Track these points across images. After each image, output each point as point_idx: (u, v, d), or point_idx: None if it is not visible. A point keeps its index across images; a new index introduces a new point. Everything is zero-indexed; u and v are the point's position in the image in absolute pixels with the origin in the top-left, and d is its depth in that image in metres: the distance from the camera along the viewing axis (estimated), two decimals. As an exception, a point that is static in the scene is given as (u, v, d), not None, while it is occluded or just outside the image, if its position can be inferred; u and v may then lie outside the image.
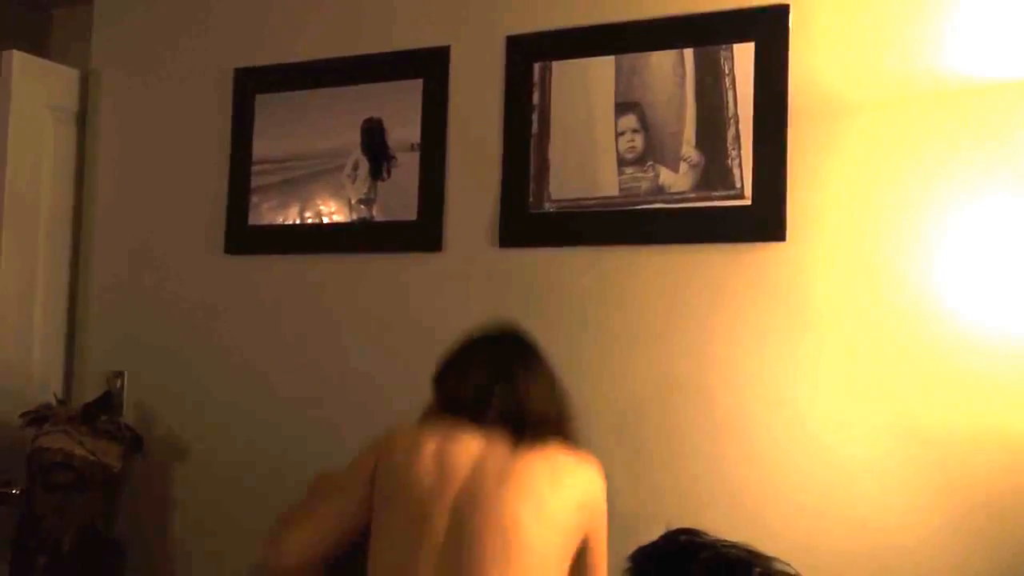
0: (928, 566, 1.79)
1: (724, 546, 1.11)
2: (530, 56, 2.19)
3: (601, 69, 2.12)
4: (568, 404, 1.71)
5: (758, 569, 1.07)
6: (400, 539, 1.56)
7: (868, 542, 1.83)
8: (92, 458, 2.39)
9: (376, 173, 2.36)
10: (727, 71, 2.01)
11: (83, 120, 2.76)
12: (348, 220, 2.39)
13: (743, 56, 1.99)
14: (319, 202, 2.43)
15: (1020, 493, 1.74)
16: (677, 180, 2.04)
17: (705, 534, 1.13)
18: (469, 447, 1.58)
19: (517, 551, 1.48)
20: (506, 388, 1.63)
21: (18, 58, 2.61)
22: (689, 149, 2.04)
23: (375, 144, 2.37)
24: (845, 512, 1.85)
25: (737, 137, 1.99)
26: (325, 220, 2.42)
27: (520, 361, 1.69)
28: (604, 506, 1.62)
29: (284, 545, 1.62)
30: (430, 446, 1.60)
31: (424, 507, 1.54)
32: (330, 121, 2.42)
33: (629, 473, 2.00)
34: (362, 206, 2.38)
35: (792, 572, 1.10)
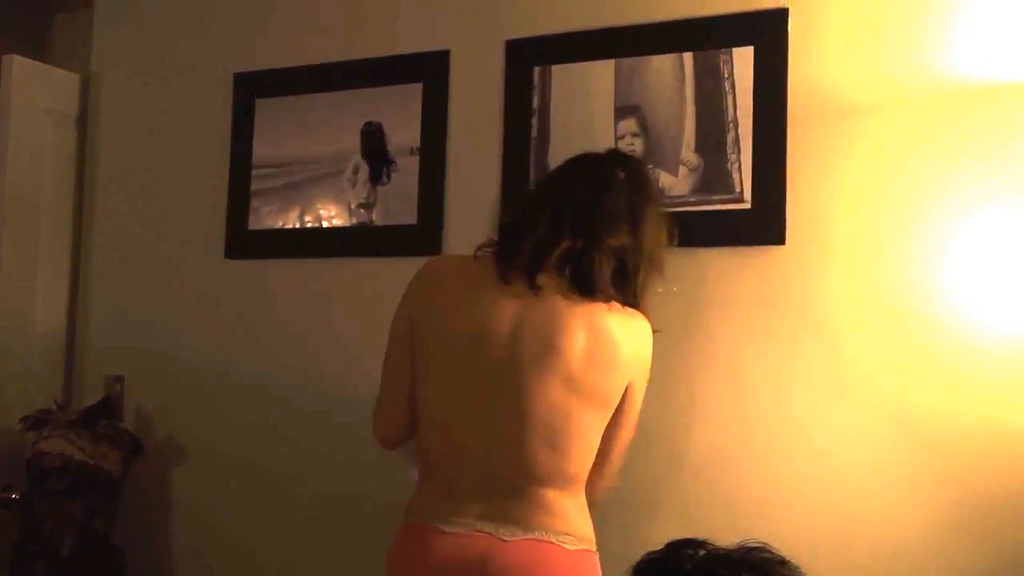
0: (928, 565, 1.79)
1: (732, 560, 1.08)
2: (530, 60, 2.19)
3: (601, 73, 2.12)
4: (653, 254, 1.68)
5: None
6: (444, 401, 1.62)
7: (868, 542, 1.83)
8: (91, 463, 2.38)
9: (376, 177, 2.36)
10: (727, 75, 2.01)
11: (83, 124, 2.76)
12: (348, 224, 2.39)
13: (743, 60, 1.99)
14: (319, 206, 2.43)
15: (1019, 491, 1.74)
16: (677, 184, 2.04)
17: (709, 544, 1.11)
18: (516, 306, 1.58)
19: (563, 414, 1.56)
20: (579, 245, 1.60)
21: (18, 62, 2.61)
22: (688, 153, 2.04)
23: (375, 148, 2.37)
24: (844, 513, 1.85)
25: (737, 141, 1.99)
26: (325, 224, 2.42)
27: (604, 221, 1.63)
28: (648, 362, 1.68)
29: (377, 430, 1.76)
30: (471, 304, 1.62)
31: (467, 368, 1.60)
32: (330, 125, 2.42)
33: (626, 475, 2.00)
34: (362, 210, 2.38)
35: None
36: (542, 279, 1.59)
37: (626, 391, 1.64)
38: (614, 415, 1.64)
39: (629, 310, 1.64)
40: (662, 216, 1.74)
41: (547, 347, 1.56)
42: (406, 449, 1.78)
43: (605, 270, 1.60)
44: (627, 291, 1.64)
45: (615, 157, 1.78)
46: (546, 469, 1.56)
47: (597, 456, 1.65)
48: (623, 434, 1.70)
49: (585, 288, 1.59)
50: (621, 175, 1.69)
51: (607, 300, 1.61)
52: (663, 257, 1.74)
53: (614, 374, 1.59)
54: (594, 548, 1.61)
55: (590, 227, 1.62)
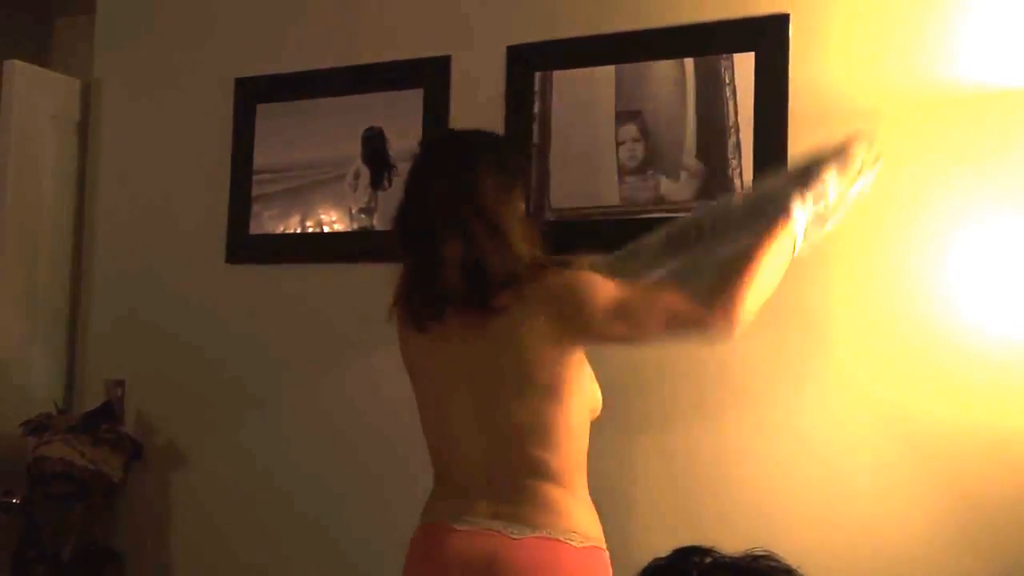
0: (929, 569, 1.79)
1: (739, 568, 1.07)
2: (531, 66, 2.19)
3: (602, 79, 2.12)
4: (508, 225, 1.56)
5: None
6: (436, 414, 1.67)
7: (869, 547, 1.83)
8: (92, 467, 2.38)
9: (377, 182, 2.37)
10: (727, 80, 2.01)
11: (84, 129, 2.77)
12: (349, 229, 2.39)
13: (743, 65, 1.99)
14: (320, 211, 2.43)
15: (1019, 495, 1.74)
16: (678, 189, 2.05)
17: (715, 551, 1.10)
18: (442, 337, 1.60)
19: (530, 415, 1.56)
20: (456, 270, 1.54)
21: (20, 68, 2.62)
22: (690, 158, 2.04)
23: (376, 153, 2.37)
24: (845, 518, 1.86)
25: (738, 146, 1.99)
26: (326, 229, 2.43)
27: (462, 201, 1.55)
28: (583, 285, 1.54)
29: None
30: (412, 343, 1.68)
31: (432, 394, 1.66)
32: (331, 131, 2.42)
33: (628, 484, 2.00)
34: (363, 215, 2.38)
35: None
36: (447, 315, 1.58)
37: (579, 324, 1.53)
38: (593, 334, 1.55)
39: (547, 284, 1.55)
40: (491, 176, 1.59)
41: (493, 366, 1.57)
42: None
43: (493, 278, 1.55)
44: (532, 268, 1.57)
45: (425, 153, 1.67)
46: (544, 469, 1.56)
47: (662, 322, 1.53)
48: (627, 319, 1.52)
49: (487, 297, 1.55)
50: (435, 169, 1.62)
51: (517, 285, 1.55)
52: (518, 208, 1.62)
53: (552, 349, 1.54)
54: (603, 546, 1.61)
55: (447, 246, 1.56)
